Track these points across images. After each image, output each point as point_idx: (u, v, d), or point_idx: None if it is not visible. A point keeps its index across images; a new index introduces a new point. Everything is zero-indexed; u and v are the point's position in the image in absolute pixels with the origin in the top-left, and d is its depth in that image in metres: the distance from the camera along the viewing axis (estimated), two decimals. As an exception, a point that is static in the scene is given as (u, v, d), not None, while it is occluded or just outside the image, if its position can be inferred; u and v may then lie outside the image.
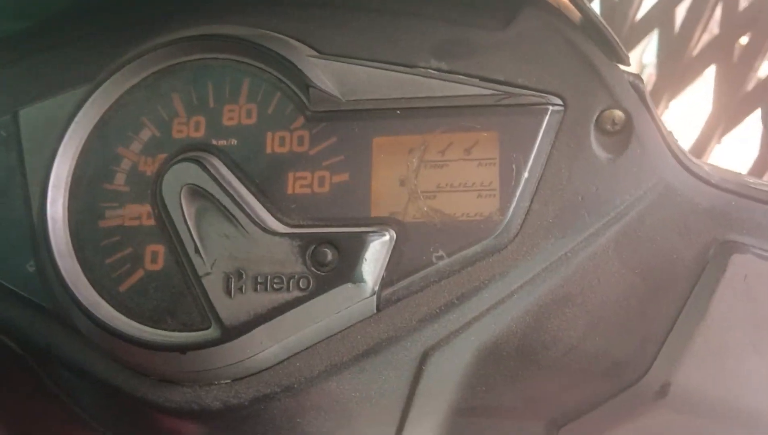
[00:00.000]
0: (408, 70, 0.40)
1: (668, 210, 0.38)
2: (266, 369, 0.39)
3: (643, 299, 0.38)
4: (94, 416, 0.46)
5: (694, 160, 0.39)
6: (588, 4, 0.39)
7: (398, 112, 0.40)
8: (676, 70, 1.50)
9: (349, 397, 0.40)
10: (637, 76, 0.40)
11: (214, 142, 0.42)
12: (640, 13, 1.61)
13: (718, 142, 1.49)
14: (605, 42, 0.40)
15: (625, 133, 0.39)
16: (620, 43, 0.39)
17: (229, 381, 0.40)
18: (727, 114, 1.42)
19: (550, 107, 0.39)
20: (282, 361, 0.39)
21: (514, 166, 0.38)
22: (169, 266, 0.40)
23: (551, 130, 0.39)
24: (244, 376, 0.40)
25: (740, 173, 0.43)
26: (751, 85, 1.39)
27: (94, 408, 0.46)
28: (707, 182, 0.38)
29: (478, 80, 0.40)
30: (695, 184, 0.39)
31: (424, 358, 0.39)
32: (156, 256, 0.41)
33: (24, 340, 0.43)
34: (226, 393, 0.40)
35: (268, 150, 0.41)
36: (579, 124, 0.39)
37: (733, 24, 1.42)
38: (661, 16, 1.56)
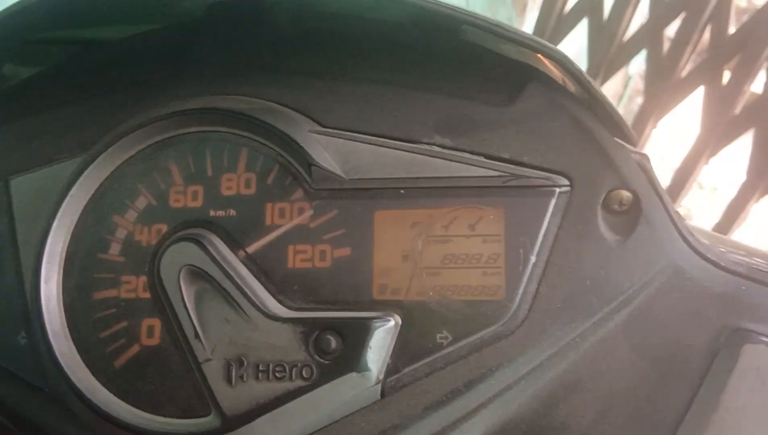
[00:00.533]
0: (412, 147, 0.39)
1: (678, 294, 0.38)
2: None
3: (654, 387, 0.37)
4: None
5: (704, 241, 0.38)
6: (593, 82, 0.38)
7: (402, 191, 0.39)
8: (664, 90, 1.50)
9: None
10: (644, 156, 0.39)
11: (212, 213, 0.41)
12: (628, 34, 1.61)
13: (706, 163, 1.49)
14: (611, 120, 0.39)
15: (633, 213, 0.38)
16: (626, 122, 0.39)
17: None
18: (715, 135, 1.43)
19: (557, 189, 0.38)
20: None
21: (521, 250, 0.38)
22: (166, 346, 0.39)
23: (558, 211, 0.38)
24: None
25: (754, 251, 0.43)
26: (739, 108, 1.39)
27: None
28: (717, 265, 0.38)
29: (483, 158, 0.39)
30: (705, 268, 0.38)
31: None
32: (152, 331, 0.40)
33: (16, 417, 0.42)
34: None
35: (268, 221, 0.40)
36: (586, 205, 0.38)
37: (721, 47, 1.43)
38: (650, 35, 1.57)
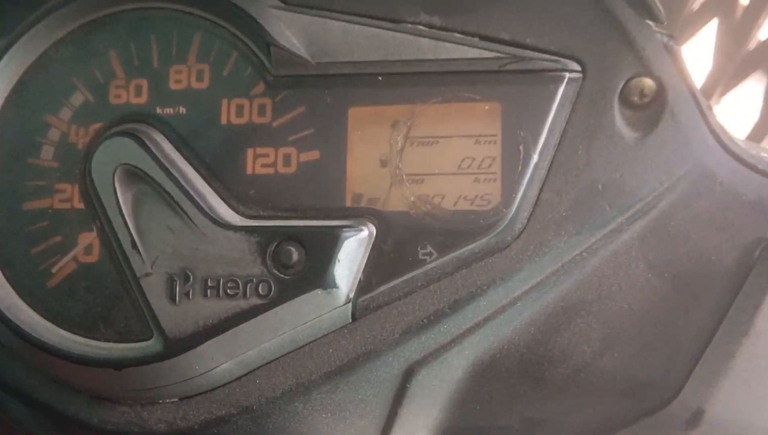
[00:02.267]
0: (393, 26, 0.33)
1: (706, 201, 0.32)
2: (220, 387, 0.33)
3: (673, 309, 0.32)
4: (25, 428, 0.40)
5: (738, 140, 0.32)
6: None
7: (380, 78, 0.33)
8: (675, 24, 1.42)
9: (318, 419, 0.34)
10: (672, 37, 0.33)
11: (158, 110, 0.34)
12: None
13: (718, 102, 1.42)
14: None
15: (656, 106, 0.32)
16: (653, -5, 0.32)
17: (176, 400, 0.33)
18: (727, 73, 1.36)
19: (567, 74, 0.32)
20: (239, 378, 0.33)
21: (521, 146, 0.32)
22: (102, 260, 0.33)
23: (567, 102, 0.32)
24: (194, 395, 0.33)
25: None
26: (753, 45, 1.32)
27: (24, 420, 0.39)
28: (754, 168, 0.32)
29: (477, 39, 0.32)
30: (740, 171, 0.32)
31: (408, 375, 0.33)
32: (91, 247, 0.34)
33: None
34: (173, 414, 0.33)
35: (223, 121, 0.34)
36: (600, 95, 0.32)
37: (737, -23, 1.35)
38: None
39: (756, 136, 1.35)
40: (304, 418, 0.34)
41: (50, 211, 0.35)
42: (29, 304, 0.34)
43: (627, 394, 0.33)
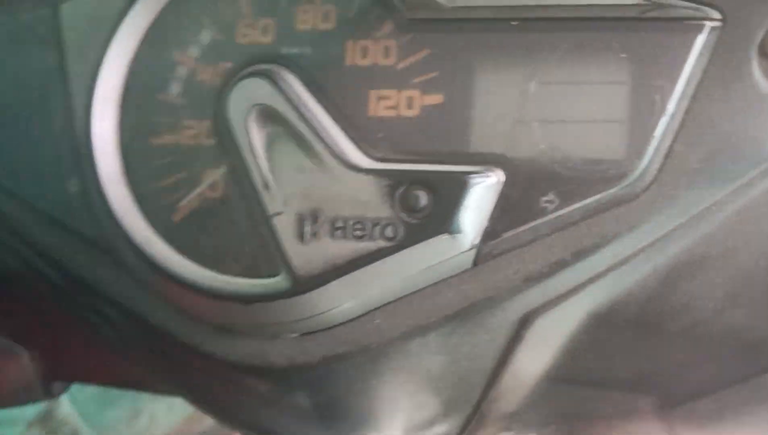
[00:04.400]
0: (528, -30, 0.32)
1: None
2: (340, 324, 0.34)
3: None
4: (141, 360, 0.42)
5: None
6: None
7: (514, 24, 0.32)
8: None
9: (432, 361, 0.35)
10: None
11: (285, 50, 0.35)
12: None
13: None
14: None
15: None
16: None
17: (297, 335, 0.34)
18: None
19: (707, 23, 0.31)
20: (359, 317, 0.34)
21: (656, 96, 0.31)
22: (231, 198, 0.34)
23: (705, 51, 0.31)
24: (315, 331, 0.34)
25: None
26: None
27: (141, 351, 0.41)
28: None
29: None
30: None
31: (525, 322, 0.33)
32: (216, 182, 0.35)
33: (65, 270, 0.38)
34: (294, 349, 0.34)
35: (348, 62, 0.34)
36: (739, 46, 0.31)
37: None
38: None
39: None
40: (419, 359, 0.34)
41: (176, 147, 0.36)
42: (162, 237, 0.35)
43: (744, 353, 0.33)
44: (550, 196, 0.32)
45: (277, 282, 0.33)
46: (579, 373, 0.36)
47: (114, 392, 1.72)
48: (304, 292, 0.32)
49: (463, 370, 0.35)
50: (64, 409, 1.50)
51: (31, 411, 1.41)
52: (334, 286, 0.32)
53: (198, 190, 0.35)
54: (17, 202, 0.38)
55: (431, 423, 0.39)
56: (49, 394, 0.52)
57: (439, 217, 0.31)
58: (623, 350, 0.34)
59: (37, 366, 0.48)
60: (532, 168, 0.32)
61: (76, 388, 1.54)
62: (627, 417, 0.38)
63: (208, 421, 2.03)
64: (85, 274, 0.37)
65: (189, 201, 0.35)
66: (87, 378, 0.49)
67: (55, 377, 0.50)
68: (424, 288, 0.33)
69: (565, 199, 0.32)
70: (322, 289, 0.32)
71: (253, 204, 0.33)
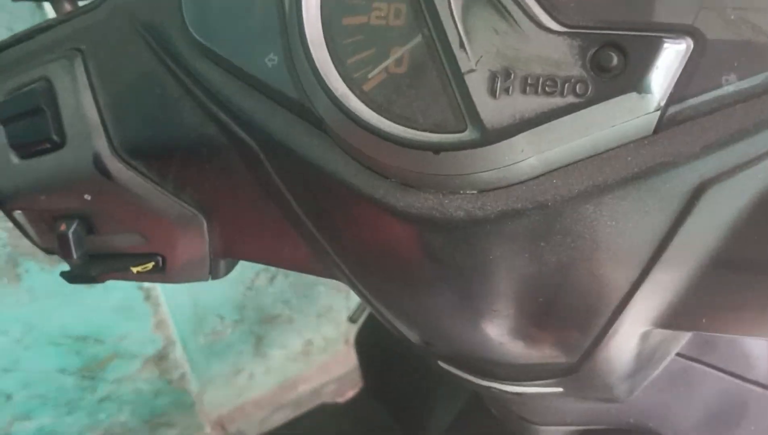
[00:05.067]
0: None
1: None
2: (518, 183, 0.36)
3: None
4: (316, 220, 0.45)
5: None
6: None
7: None
8: None
9: (602, 226, 0.37)
10: None
11: None
12: None
13: None
14: None
15: None
16: None
17: (475, 192, 0.37)
18: None
19: None
20: (538, 176, 0.36)
21: None
22: (424, 61, 0.37)
23: None
24: (493, 188, 0.37)
25: None
26: None
27: (320, 210, 0.44)
28: None
29: None
30: None
31: (699, 191, 0.35)
32: (400, 60, 0.38)
33: (260, 130, 0.42)
34: (472, 203, 0.37)
35: None
36: None
37: None
38: None
39: None
40: (591, 222, 0.36)
41: (366, 26, 0.39)
42: (357, 96, 0.38)
43: None
44: (739, 69, 0.33)
45: (466, 134, 0.36)
46: (744, 255, 0.37)
47: (221, 347, 1.80)
48: (492, 142, 0.35)
49: (631, 241, 0.37)
50: (178, 353, 1.59)
51: (149, 349, 1.50)
52: (522, 139, 0.35)
53: (385, 63, 0.38)
54: (223, 69, 0.43)
55: (587, 304, 0.41)
56: (216, 273, 0.56)
57: (629, 77, 0.33)
58: None
59: (211, 239, 0.52)
60: (721, 40, 0.33)
61: (188, 337, 1.62)
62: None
63: (301, 388, 2.09)
64: (281, 136, 0.41)
65: (378, 72, 0.38)
66: (256, 257, 0.53)
67: (224, 254, 0.54)
68: (603, 151, 0.35)
69: (751, 71, 0.33)
70: (510, 141, 0.35)
71: (445, 66, 0.36)
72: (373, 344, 1.59)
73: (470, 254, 0.39)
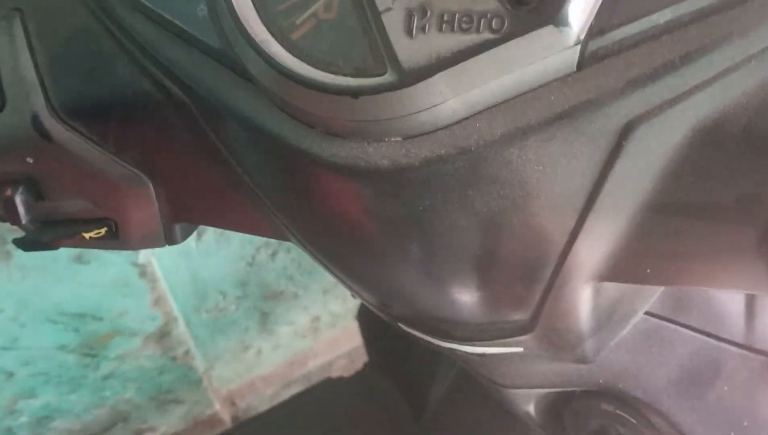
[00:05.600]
0: None
1: None
2: (442, 128, 0.35)
3: None
4: (253, 176, 0.44)
5: None
6: None
7: None
8: None
9: (530, 172, 0.35)
10: None
11: None
12: None
13: None
14: None
15: None
16: None
17: (399, 139, 0.36)
18: None
19: None
20: (460, 120, 0.35)
21: None
22: (345, 10, 0.36)
23: None
24: (417, 135, 0.35)
25: None
26: None
27: (254, 165, 0.44)
28: None
29: None
30: None
31: (627, 130, 0.33)
32: (330, 4, 0.37)
33: (189, 83, 0.41)
34: (396, 151, 0.36)
35: None
36: None
37: None
38: None
39: None
40: (517, 167, 0.35)
41: None
42: (279, 43, 0.37)
43: None
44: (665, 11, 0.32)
45: (385, 78, 0.34)
46: (679, 198, 0.35)
47: (226, 324, 1.81)
48: (410, 84, 0.33)
49: (560, 187, 0.36)
50: (180, 330, 1.59)
51: (150, 326, 1.51)
52: (439, 79, 0.33)
53: (312, 8, 0.37)
54: (154, 21, 0.42)
55: (524, 255, 0.40)
56: (171, 238, 0.55)
57: (546, 9, 0.32)
58: (726, 171, 0.34)
59: (160, 203, 0.51)
60: None
61: (190, 313, 1.62)
62: (726, 257, 0.37)
63: (311, 363, 2.09)
64: (207, 85, 0.40)
65: (305, 19, 0.37)
66: (205, 219, 0.52)
67: (175, 219, 0.53)
68: (525, 92, 0.34)
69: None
70: (426, 82, 0.33)
71: (365, 6, 0.35)
72: (376, 318, 1.59)
73: (401, 205, 0.38)
